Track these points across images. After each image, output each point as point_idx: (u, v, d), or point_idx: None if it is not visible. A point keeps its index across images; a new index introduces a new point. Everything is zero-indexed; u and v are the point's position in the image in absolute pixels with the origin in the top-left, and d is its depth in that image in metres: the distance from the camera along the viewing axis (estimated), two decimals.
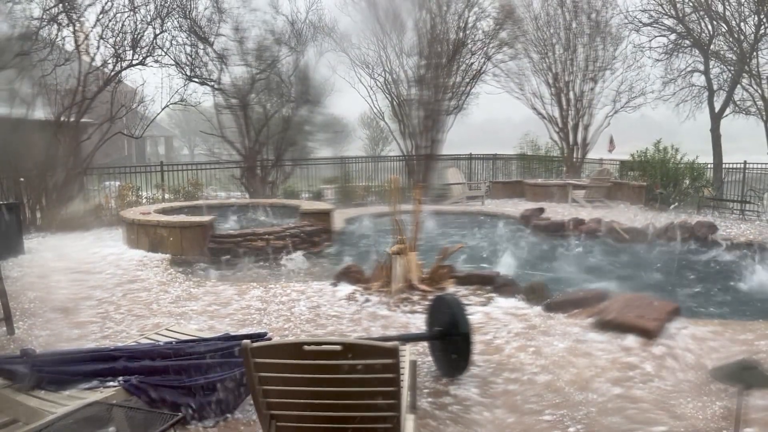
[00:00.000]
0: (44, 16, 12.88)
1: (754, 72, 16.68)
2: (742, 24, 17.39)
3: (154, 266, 8.59)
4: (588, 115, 20.38)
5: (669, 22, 19.29)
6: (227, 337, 4.52)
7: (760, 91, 16.37)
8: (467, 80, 18.64)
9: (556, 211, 14.17)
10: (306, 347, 2.68)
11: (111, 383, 3.73)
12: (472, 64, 18.62)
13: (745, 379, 3.08)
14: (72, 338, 5.51)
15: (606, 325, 5.50)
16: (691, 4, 18.52)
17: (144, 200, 14.42)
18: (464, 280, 7.29)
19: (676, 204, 14.65)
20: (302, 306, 6.53)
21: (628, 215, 13.63)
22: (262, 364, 2.73)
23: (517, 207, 15.40)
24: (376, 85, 18.42)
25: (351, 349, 2.69)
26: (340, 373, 2.72)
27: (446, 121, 18.66)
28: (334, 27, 17.38)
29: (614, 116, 20.78)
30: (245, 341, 2.69)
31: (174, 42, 14.97)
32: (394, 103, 18.48)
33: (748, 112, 18.30)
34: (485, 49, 18.68)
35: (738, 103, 18.79)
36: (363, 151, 32.33)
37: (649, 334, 5.22)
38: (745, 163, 16.23)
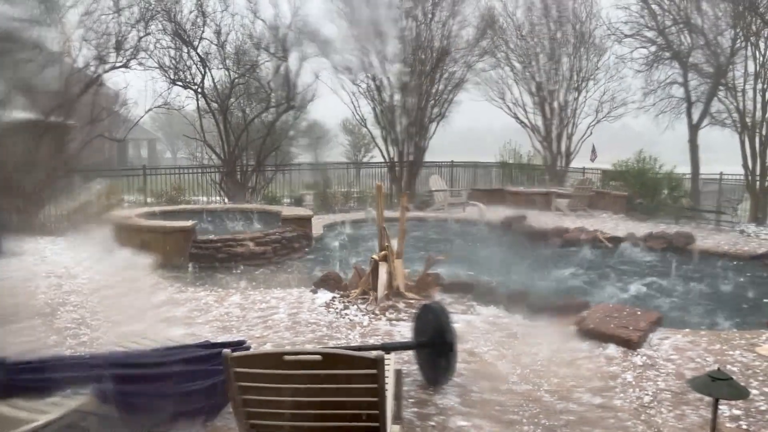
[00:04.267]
0: (27, 17, 12.72)
1: (730, 85, 16.95)
2: (719, 37, 17.69)
3: (135, 271, 8.50)
4: (572, 125, 20.62)
5: (650, 34, 19.58)
6: (206, 345, 4.48)
7: (735, 104, 16.63)
8: (449, 88, 18.75)
9: (539, 220, 14.24)
10: (286, 357, 2.67)
11: (87, 391, 3.68)
12: (454, 72, 18.75)
13: (717, 390, 3.13)
14: (49, 345, 5.43)
15: (586, 334, 5.54)
16: (670, 16, 18.81)
17: (126, 204, 14.28)
18: (449, 288, 7.32)
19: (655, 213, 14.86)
20: (282, 313, 6.50)
21: (610, 225, 13.75)
22: (242, 373, 2.72)
23: (497, 214, 15.47)
24: (359, 91, 18.45)
25: (333, 360, 2.68)
26: (322, 383, 2.71)
27: (429, 128, 18.75)
28: (318, 32, 17.40)
29: (596, 126, 21.07)
30: (225, 351, 2.68)
31: (158, 45, 14.92)
32: (377, 109, 18.51)
33: (723, 124, 18.59)
34: (467, 57, 18.83)
35: (714, 115, 19.09)
36: (345, 156, 32.34)
37: (630, 345, 5.27)
38: (721, 174, 16.49)
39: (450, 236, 13.07)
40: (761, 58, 15.71)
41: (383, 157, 18.93)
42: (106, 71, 14.02)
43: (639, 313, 6.04)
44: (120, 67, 14.19)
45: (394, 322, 6.17)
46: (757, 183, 15.51)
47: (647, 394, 4.42)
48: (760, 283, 9.03)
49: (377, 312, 6.47)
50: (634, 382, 4.63)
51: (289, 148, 20.00)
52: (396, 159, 18.61)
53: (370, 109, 18.79)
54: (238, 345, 4.38)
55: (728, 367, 4.93)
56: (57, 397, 3.55)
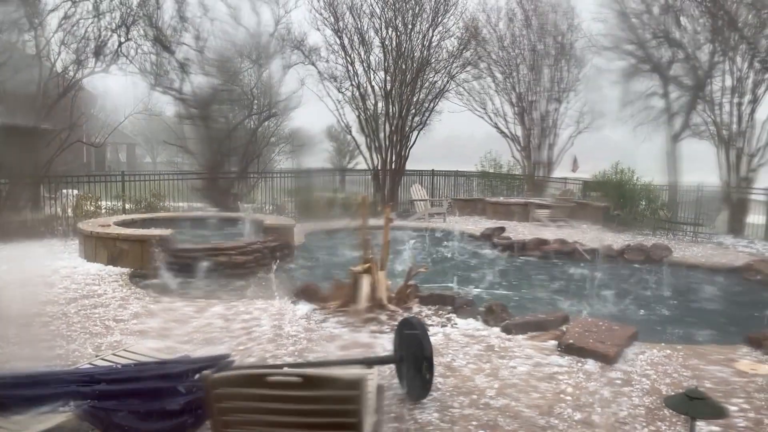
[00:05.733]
0: (4, 20, 12.57)
1: (708, 98, 17.27)
2: (697, 51, 18.03)
3: (111, 281, 8.40)
4: (553, 135, 20.82)
5: (629, 47, 19.88)
6: (187, 360, 4.43)
7: (713, 117, 16.95)
8: (431, 97, 18.86)
9: (518, 231, 14.33)
10: (267, 378, 2.65)
11: (63, 409, 3.61)
12: (435, 82, 18.87)
13: (694, 409, 3.13)
14: (23, 358, 5.33)
15: (566, 350, 5.58)
16: (650, 30, 19.12)
17: (103, 210, 14.09)
18: (427, 300, 7.33)
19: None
20: (264, 325, 6.46)
21: (588, 236, 13.87)
22: (223, 394, 2.70)
23: (477, 225, 15.55)
24: (344, 98, 18.49)
25: (315, 381, 2.67)
26: (302, 404, 2.70)
27: (410, 136, 18.83)
28: (304, 40, 17.45)
29: (578, 136, 21.28)
30: (205, 372, 2.66)
31: (139, 50, 14.81)
32: (361, 117, 18.55)
33: (701, 136, 18.95)
34: (448, 68, 18.96)
35: (692, 127, 19.43)
36: (329, 163, 32.36)
37: (608, 360, 5.31)
38: (698, 185, 16.78)
39: (430, 246, 13.08)
40: (738, 73, 16.03)
41: (367, 164, 18.97)
42: (85, 76, 13.89)
43: (616, 327, 6.11)
44: (99, 72, 14.06)
45: (376, 334, 6.16)
46: (733, 195, 15.79)
47: (622, 410, 4.46)
48: (738, 296, 9.19)
49: (358, 324, 6.45)
50: (610, 398, 4.66)
51: (271, 154, 19.97)
52: (380, 167, 18.65)
53: (355, 117, 18.87)
54: (221, 359, 4.33)
55: (705, 383, 4.99)
56: (28, 416, 3.49)
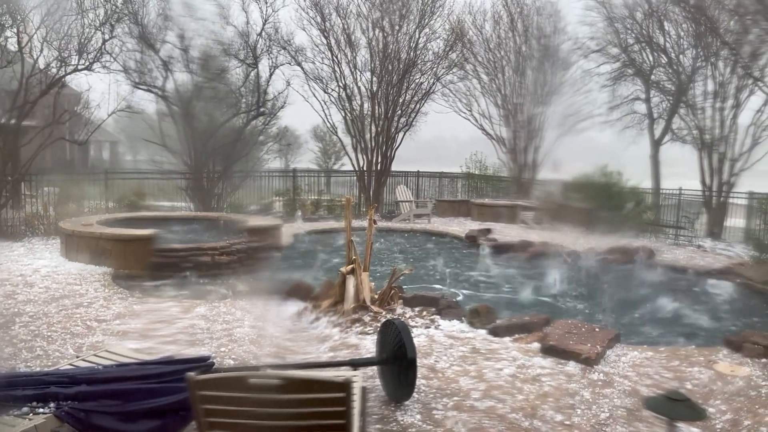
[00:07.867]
0: None
1: (690, 103, 17.47)
2: (680, 56, 18.26)
3: (93, 280, 8.31)
4: (539, 137, 20.94)
5: (615, 50, 20.10)
6: (169, 361, 4.40)
7: (695, 121, 17.15)
8: (416, 99, 18.90)
9: (504, 233, 14.39)
10: (251, 381, 2.64)
11: (42, 410, 3.57)
12: (421, 83, 18.90)
13: (674, 411, 3.16)
14: (2, 358, 5.26)
15: (548, 351, 5.62)
16: (633, 35, 19.33)
17: (86, 209, 13.93)
18: (411, 302, 7.33)
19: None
20: (247, 326, 6.43)
21: (571, 238, 13.95)
22: (208, 396, 2.68)
23: (462, 226, 15.60)
24: (330, 99, 18.45)
25: (299, 384, 2.66)
26: (287, 406, 2.69)
27: (396, 137, 18.86)
28: (290, 40, 17.37)
29: (562, 138, 21.43)
30: (190, 374, 2.64)
31: (123, 48, 14.68)
32: (347, 118, 18.54)
33: (684, 140, 19.17)
34: (435, 69, 19.00)
35: (675, 131, 19.66)
36: (315, 163, 32.36)
37: (588, 362, 5.36)
38: (680, 189, 16.95)
39: (414, 247, 13.11)
40: (720, 78, 16.22)
41: (353, 165, 18.95)
42: (67, 73, 13.72)
43: (597, 330, 6.16)
44: (83, 69, 13.88)
45: (360, 335, 6.16)
46: (714, 199, 15.98)
47: (603, 412, 4.50)
48: (718, 298, 9.28)
49: (346, 325, 6.44)
50: (591, 399, 4.70)
51: (256, 154, 19.86)
52: (365, 168, 18.64)
53: (341, 118, 18.85)
54: (202, 361, 4.31)
55: (686, 384, 5.05)
56: (7, 417, 3.44)
